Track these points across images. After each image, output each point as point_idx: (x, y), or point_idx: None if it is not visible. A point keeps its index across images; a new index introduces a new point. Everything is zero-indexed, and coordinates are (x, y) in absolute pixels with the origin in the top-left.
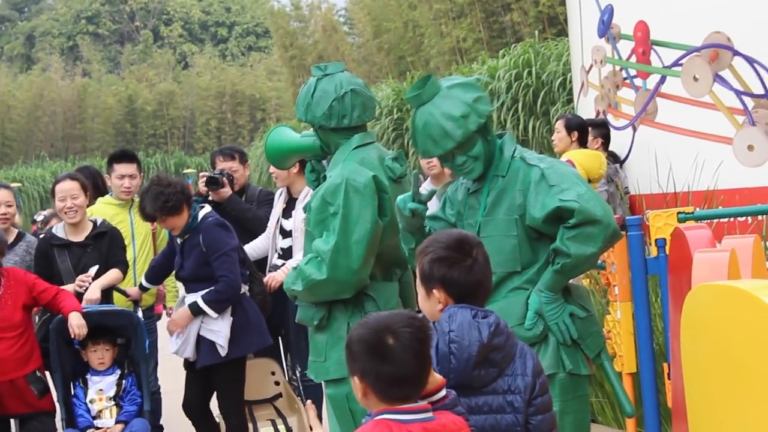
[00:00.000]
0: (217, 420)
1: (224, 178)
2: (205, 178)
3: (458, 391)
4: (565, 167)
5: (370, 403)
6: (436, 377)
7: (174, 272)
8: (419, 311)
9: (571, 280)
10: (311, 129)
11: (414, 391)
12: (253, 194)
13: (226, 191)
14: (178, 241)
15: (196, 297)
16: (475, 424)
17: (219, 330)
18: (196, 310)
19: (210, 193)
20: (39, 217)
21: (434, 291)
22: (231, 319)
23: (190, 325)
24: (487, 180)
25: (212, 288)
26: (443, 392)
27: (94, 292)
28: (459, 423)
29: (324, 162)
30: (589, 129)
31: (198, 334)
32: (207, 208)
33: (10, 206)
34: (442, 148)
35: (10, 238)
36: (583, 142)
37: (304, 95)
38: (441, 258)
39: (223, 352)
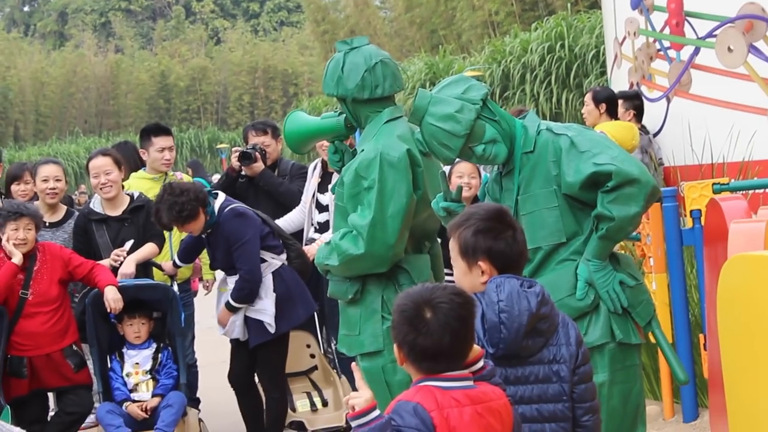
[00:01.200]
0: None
1: (257, 153)
2: (238, 153)
3: (505, 362)
4: (593, 133)
5: (410, 371)
6: (475, 348)
7: (209, 260)
8: None
9: (617, 249)
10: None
11: (449, 366)
12: (286, 168)
13: (259, 166)
14: (203, 236)
15: (232, 287)
16: (522, 395)
17: (264, 309)
18: (232, 309)
19: (243, 167)
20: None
21: (480, 263)
22: (274, 295)
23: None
24: (516, 159)
25: (238, 287)
26: (481, 363)
27: (128, 266)
28: (498, 392)
29: (354, 138)
30: (621, 101)
31: (245, 315)
32: (221, 198)
33: (59, 181)
34: (455, 149)
35: (59, 215)
36: (612, 114)
37: (333, 69)
38: (485, 229)
39: (272, 329)
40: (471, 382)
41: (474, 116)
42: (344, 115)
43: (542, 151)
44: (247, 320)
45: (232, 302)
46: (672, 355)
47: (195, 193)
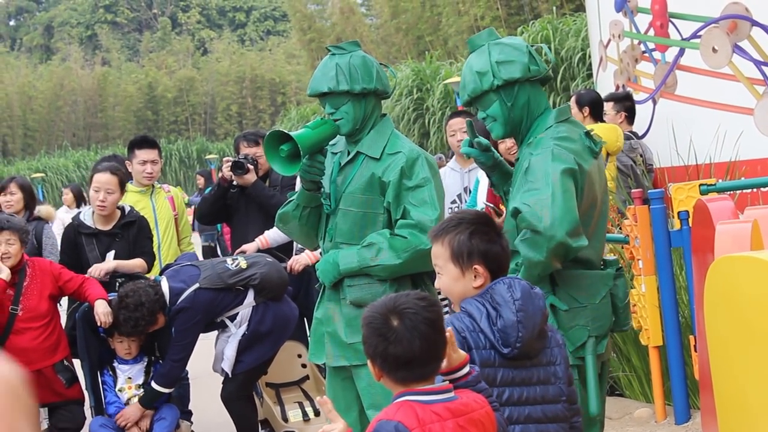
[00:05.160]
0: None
1: (249, 164)
2: (230, 163)
3: (512, 364)
4: (554, 164)
5: (388, 386)
6: (460, 354)
7: None
8: None
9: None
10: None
11: (425, 372)
12: (277, 178)
13: (251, 177)
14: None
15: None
16: (528, 396)
17: (225, 352)
18: (153, 397)
19: (235, 177)
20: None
21: (476, 267)
22: (239, 340)
23: (219, 343)
24: (520, 151)
25: (162, 365)
26: (466, 369)
27: (107, 264)
28: (481, 401)
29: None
30: (612, 103)
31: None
32: (166, 288)
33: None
34: (462, 98)
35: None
36: (596, 117)
37: (363, 65)
38: (481, 233)
39: (229, 374)
40: (451, 394)
41: (487, 87)
42: (341, 119)
43: (524, 155)
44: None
45: (155, 386)
46: (593, 387)
47: (149, 305)
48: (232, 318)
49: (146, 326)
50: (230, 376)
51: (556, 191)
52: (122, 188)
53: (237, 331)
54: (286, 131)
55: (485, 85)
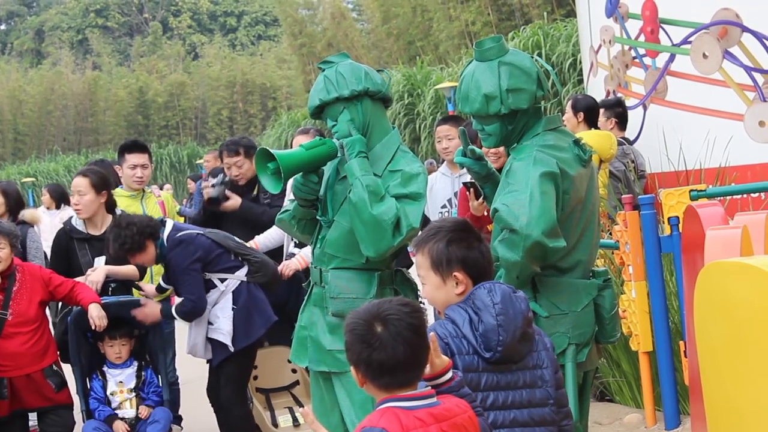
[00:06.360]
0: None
1: (225, 192)
2: (207, 198)
3: (497, 368)
4: (534, 168)
5: (371, 392)
6: (443, 359)
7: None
8: None
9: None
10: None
11: (408, 378)
12: None
13: (234, 202)
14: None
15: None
16: (513, 399)
17: (221, 328)
18: (168, 315)
19: (221, 205)
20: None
21: (456, 274)
22: (231, 314)
23: (197, 328)
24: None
25: (182, 303)
26: (449, 374)
27: (98, 275)
28: (463, 406)
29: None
30: (603, 110)
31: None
32: (168, 227)
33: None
34: (461, 108)
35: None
36: (591, 122)
37: (350, 70)
38: (458, 240)
39: (230, 347)
40: (434, 399)
41: (493, 113)
42: (342, 129)
43: (509, 160)
44: (209, 339)
45: (175, 314)
46: (572, 395)
47: (141, 226)
48: (221, 280)
49: (132, 248)
50: (232, 350)
51: (534, 192)
52: (98, 188)
53: (223, 302)
54: (272, 150)
55: (492, 110)
